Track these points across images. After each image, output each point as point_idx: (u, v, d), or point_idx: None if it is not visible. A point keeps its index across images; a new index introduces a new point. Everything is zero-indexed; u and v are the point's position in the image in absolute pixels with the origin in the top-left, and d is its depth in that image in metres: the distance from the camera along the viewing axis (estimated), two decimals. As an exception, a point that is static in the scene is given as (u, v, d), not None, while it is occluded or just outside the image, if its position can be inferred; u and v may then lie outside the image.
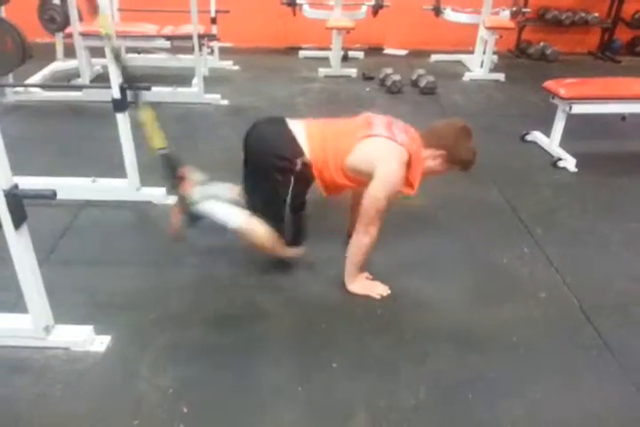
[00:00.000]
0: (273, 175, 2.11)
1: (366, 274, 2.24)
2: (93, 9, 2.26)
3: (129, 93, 2.44)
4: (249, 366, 1.81)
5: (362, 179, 2.10)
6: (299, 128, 2.17)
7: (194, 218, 2.17)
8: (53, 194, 1.57)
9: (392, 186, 2.04)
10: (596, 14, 6.23)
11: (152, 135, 2.20)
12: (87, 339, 1.84)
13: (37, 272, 1.71)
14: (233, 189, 2.35)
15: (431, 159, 2.16)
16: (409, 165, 2.09)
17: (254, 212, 2.16)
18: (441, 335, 1.98)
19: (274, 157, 2.10)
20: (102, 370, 1.76)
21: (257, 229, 2.13)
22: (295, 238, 2.21)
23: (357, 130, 2.15)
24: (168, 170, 2.19)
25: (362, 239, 2.09)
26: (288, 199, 2.12)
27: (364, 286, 2.19)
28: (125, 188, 2.77)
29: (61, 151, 3.33)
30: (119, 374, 1.76)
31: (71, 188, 2.70)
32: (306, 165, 2.10)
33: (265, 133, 2.21)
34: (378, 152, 2.08)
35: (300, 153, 2.10)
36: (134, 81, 2.38)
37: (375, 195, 2.03)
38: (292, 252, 2.22)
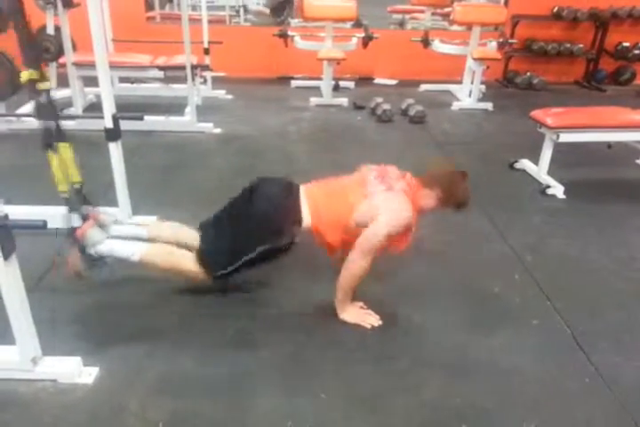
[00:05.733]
0: (254, 234, 2.13)
1: (360, 304, 2.23)
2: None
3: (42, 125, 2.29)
4: (239, 398, 1.78)
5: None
6: (301, 193, 2.21)
7: (91, 258, 2.19)
8: (44, 224, 1.57)
9: (396, 224, 2.06)
10: (581, 45, 6.39)
11: (69, 171, 2.24)
12: (75, 371, 1.81)
13: (26, 303, 1.69)
14: (147, 226, 2.41)
15: (428, 198, 2.22)
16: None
17: (208, 244, 2.20)
18: (433, 364, 1.97)
19: (268, 221, 2.13)
20: (90, 403, 1.73)
21: (159, 257, 2.18)
22: (221, 277, 2.20)
23: (354, 190, 2.18)
24: (74, 207, 2.27)
25: (353, 267, 2.08)
26: (249, 257, 2.13)
27: (355, 314, 2.17)
28: (123, 216, 2.76)
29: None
30: (107, 407, 1.72)
31: (62, 216, 2.68)
32: (290, 244, 2.16)
33: (273, 196, 2.21)
34: (380, 202, 2.11)
35: (294, 228, 2.14)
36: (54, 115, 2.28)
37: (376, 231, 2.05)
38: (200, 277, 2.19)
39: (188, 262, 2.17)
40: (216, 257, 2.17)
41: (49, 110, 2.20)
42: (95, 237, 2.18)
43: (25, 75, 2.10)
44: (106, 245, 2.18)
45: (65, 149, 2.25)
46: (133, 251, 2.17)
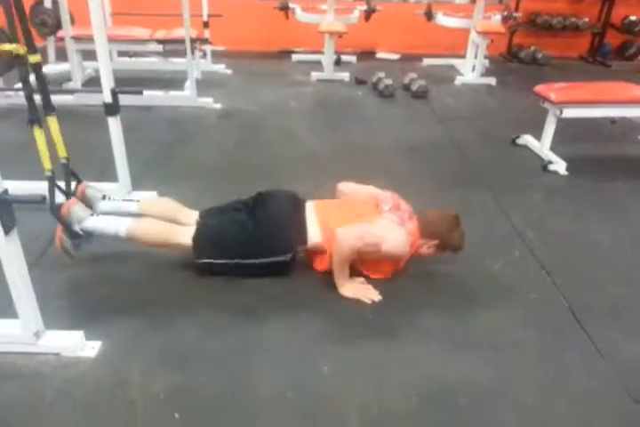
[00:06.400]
0: (255, 245, 2.17)
1: (361, 279, 2.24)
2: None
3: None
4: (240, 372, 1.80)
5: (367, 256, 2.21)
6: (310, 210, 2.25)
7: (75, 235, 2.19)
8: (43, 199, 1.57)
9: (390, 249, 2.14)
10: (587, 19, 6.29)
11: (56, 146, 2.21)
12: (78, 344, 1.83)
13: (27, 277, 1.70)
14: (139, 201, 2.41)
15: (426, 248, 2.27)
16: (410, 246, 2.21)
17: (208, 229, 2.21)
18: (433, 340, 1.98)
19: (273, 236, 2.17)
20: (93, 376, 1.75)
21: (144, 231, 2.19)
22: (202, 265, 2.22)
23: (367, 212, 2.25)
24: (63, 184, 2.24)
25: (338, 247, 2.12)
26: (248, 261, 2.18)
27: (355, 290, 2.19)
28: (117, 192, 2.75)
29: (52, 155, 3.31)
30: (110, 379, 1.74)
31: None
32: (292, 259, 2.21)
33: (279, 213, 2.24)
34: (390, 232, 2.16)
35: (300, 242, 2.19)
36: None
37: (375, 234, 2.13)
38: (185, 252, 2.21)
39: (177, 237, 2.18)
40: (208, 245, 2.18)
41: (40, 82, 2.15)
42: (79, 214, 2.18)
43: (7, 47, 1.94)
44: (90, 222, 2.19)
45: (53, 122, 2.21)
46: (118, 227, 2.17)
